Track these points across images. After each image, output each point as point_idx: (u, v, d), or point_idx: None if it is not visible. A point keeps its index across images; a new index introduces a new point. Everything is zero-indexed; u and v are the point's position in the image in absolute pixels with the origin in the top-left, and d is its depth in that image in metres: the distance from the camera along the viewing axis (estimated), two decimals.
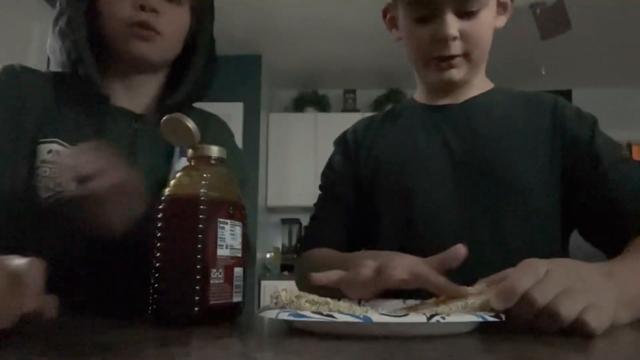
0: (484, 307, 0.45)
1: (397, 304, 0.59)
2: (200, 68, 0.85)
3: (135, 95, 0.83)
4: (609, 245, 0.73)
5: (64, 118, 0.75)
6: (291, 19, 3.41)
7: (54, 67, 0.78)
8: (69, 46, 0.75)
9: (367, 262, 0.57)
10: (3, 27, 2.17)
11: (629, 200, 0.72)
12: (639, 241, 0.67)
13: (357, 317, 0.40)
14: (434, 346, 0.39)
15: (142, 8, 0.75)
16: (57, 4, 0.78)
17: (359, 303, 0.59)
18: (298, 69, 4.27)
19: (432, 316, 0.40)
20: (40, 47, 2.38)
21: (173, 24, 0.79)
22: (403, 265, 0.55)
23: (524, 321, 0.45)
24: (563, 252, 0.80)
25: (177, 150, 0.79)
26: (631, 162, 0.77)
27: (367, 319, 0.40)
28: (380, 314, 0.41)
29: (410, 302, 0.59)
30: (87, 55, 0.75)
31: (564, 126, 0.80)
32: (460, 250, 0.56)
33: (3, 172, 0.70)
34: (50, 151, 0.72)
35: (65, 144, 0.73)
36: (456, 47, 0.78)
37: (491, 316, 0.43)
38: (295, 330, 0.46)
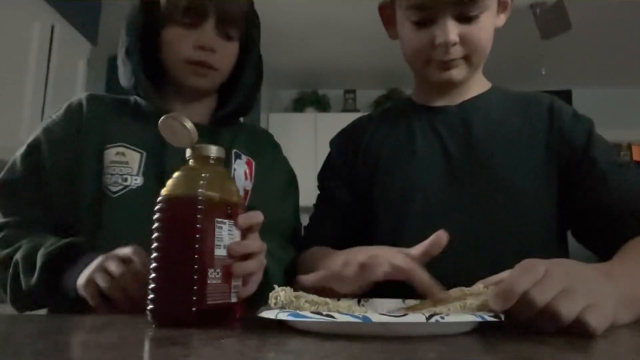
0: (483, 308, 0.45)
1: (396, 303, 0.59)
2: (250, 84, 0.95)
3: (193, 108, 0.93)
4: (602, 247, 0.72)
5: (128, 128, 0.87)
6: (291, 19, 3.41)
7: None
8: (129, 71, 0.87)
9: (352, 259, 0.57)
10: (3, 27, 2.16)
11: (624, 203, 0.72)
12: (634, 243, 0.67)
13: (357, 317, 0.40)
14: (432, 346, 0.39)
15: (202, 48, 0.84)
16: (120, 37, 0.90)
17: (359, 303, 0.59)
18: (298, 69, 4.27)
19: (431, 316, 0.40)
20: (40, 47, 2.37)
21: (227, 59, 0.89)
22: (387, 259, 0.57)
23: (523, 321, 0.45)
24: (560, 252, 0.80)
25: (232, 152, 0.90)
26: (627, 165, 0.77)
27: (367, 319, 0.40)
28: (380, 314, 0.41)
29: (410, 301, 0.59)
30: (142, 79, 0.87)
31: (560, 128, 0.80)
32: (441, 237, 0.58)
33: (64, 180, 0.83)
34: (117, 153, 0.84)
35: (130, 146, 0.85)
36: (456, 52, 0.77)
37: (490, 316, 0.43)
38: (294, 331, 0.46)
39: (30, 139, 0.87)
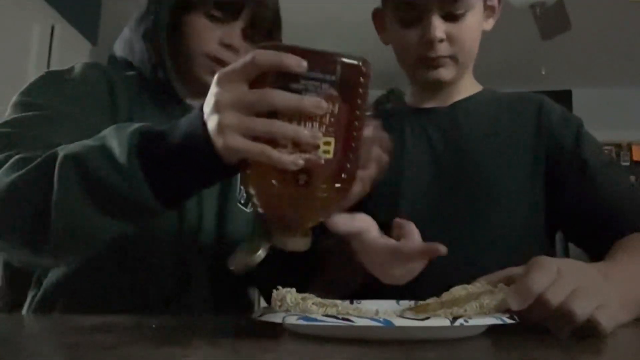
0: (500, 307, 0.44)
1: (390, 304, 0.58)
2: None
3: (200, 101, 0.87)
4: (594, 245, 0.74)
5: (147, 115, 0.78)
6: (291, 19, 3.41)
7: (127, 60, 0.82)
8: (150, 49, 0.79)
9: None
10: (3, 27, 2.16)
11: (617, 203, 0.73)
12: (627, 242, 0.67)
13: (378, 320, 0.39)
14: (434, 347, 0.39)
15: (228, 47, 0.78)
16: (145, 3, 0.81)
17: (351, 302, 0.58)
18: None
19: (455, 319, 0.39)
20: (40, 47, 2.37)
21: None
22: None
23: (535, 321, 0.44)
24: (550, 253, 0.80)
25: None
26: (615, 164, 0.79)
27: (388, 323, 0.39)
28: (401, 318, 0.40)
29: (404, 302, 0.58)
30: (168, 61, 0.79)
31: (548, 129, 0.80)
32: (439, 249, 0.57)
33: None
34: None
35: None
36: (442, 49, 0.78)
37: (508, 317, 0.42)
38: (294, 331, 0.46)
39: None
